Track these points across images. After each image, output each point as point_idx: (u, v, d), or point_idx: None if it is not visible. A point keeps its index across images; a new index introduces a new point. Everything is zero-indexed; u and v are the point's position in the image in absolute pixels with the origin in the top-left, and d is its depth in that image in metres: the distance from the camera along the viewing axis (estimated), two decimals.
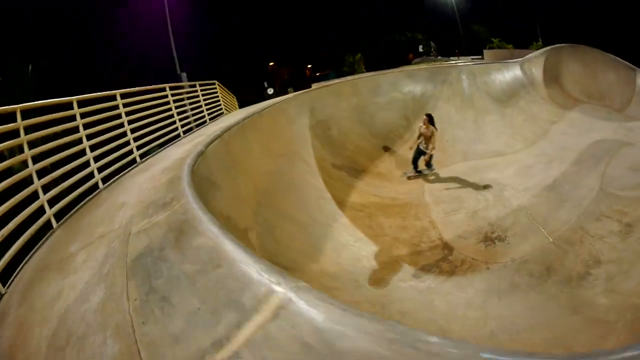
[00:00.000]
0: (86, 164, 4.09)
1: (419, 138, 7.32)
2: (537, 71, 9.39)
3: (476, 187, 6.86)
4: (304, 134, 6.30)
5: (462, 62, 12.66)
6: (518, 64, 9.56)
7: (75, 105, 4.16)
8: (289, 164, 5.02)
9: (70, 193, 3.43)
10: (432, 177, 7.34)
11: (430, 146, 7.18)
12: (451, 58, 24.03)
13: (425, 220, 6.11)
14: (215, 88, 9.47)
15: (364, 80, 9.09)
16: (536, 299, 3.85)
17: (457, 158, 8.17)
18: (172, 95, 6.75)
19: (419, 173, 7.48)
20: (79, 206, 3.56)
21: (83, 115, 4.25)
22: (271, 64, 31.05)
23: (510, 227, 5.58)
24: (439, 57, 25.48)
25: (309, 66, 33.43)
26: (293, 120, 6.29)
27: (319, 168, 6.05)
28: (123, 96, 5.19)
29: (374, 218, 5.95)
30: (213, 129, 5.32)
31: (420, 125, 7.34)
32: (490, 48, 23.09)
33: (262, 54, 31.88)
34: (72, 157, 3.91)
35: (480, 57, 17.75)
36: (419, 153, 7.37)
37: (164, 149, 5.77)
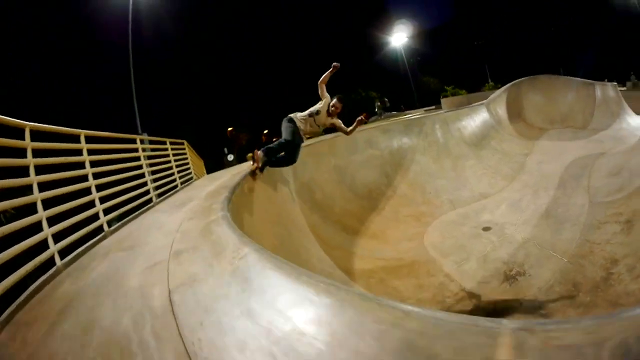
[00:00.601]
0: None
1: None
2: (502, 109, 10.64)
3: (476, 232, 7.14)
4: (293, 199, 6.44)
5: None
6: (484, 105, 10.85)
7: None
8: (289, 235, 5.05)
9: None
10: (429, 234, 7.48)
11: None
12: (393, 112, 25.52)
13: (439, 275, 6.11)
14: (185, 148, 9.01)
15: (341, 138, 9.42)
16: (576, 312, 3.86)
17: (445, 208, 8.53)
18: (143, 150, 6.01)
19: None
20: None
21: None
22: (230, 129, 31.77)
23: (525, 260, 5.77)
24: (388, 113, 27.12)
25: (266, 132, 33.45)
26: (282, 184, 6.35)
27: (315, 236, 6.12)
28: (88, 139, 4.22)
29: (387, 283, 5.89)
30: (198, 195, 5.00)
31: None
32: (444, 96, 24.40)
33: (222, 118, 32.94)
34: None
35: (433, 107, 19.48)
36: None
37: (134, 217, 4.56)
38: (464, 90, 27.16)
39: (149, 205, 5.25)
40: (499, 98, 11.22)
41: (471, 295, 5.35)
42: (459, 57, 45.03)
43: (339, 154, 8.75)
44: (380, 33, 37.04)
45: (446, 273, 6.04)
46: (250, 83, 37.96)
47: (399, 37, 32.03)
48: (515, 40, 42.10)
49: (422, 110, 19.91)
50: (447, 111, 11.03)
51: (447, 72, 39.64)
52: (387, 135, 9.89)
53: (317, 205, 7.06)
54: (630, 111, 12.00)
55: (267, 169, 5.62)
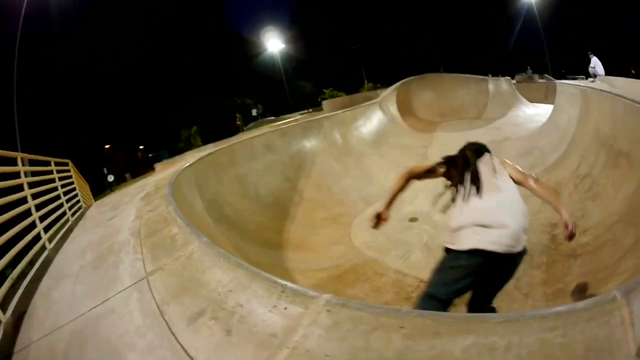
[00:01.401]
0: None
1: None
2: (393, 107, 11.63)
3: (404, 224, 7.24)
4: (206, 221, 5.23)
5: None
6: (377, 104, 11.54)
7: None
8: None
9: None
10: (356, 234, 7.28)
11: None
12: (271, 117, 26.02)
13: (390, 273, 5.85)
14: (70, 170, 7.71)
15: (239, 145, 8.60)
16: (539, 272, 4.14)
17: (360, 206, 8.57)
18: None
19: None
20: None
21: None
22: (107, 146, 29.94)
23: None
24: (267, 117, 27.57)
25: (141, 147, 32.92)
26: (190, 204, 5.17)
27: (244, 259, 4.96)
28: None
29: (342, 293, 5.23)
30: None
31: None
32: (322, 99, 25.00)
33: (97, 135, 30.34)
34: None
35: (307, 111, 20.20)
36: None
37: None
38: (342, 92, 28.70)
39: None
40: (389, 96, 12.38)
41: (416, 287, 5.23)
42: (336, 60, 48.82)
43: (239, 162, 8.26)
44: (257, 40, 38.16)
45: (395, 269, 5.84)
46: (121, 97, 35.55)
47: (275, 43, 32.81)
48: (390, 44, 49.10)
49: (296, 114, 20.44)
50: (345, 111, 11.61)
51: (324, 76, 42.53)
52: (285, 139, 9.67)
53: (230, 223, 6.39)
54: (525, 100, 14.36)
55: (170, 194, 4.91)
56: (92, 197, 8.76)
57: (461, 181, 2.70)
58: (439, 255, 5.76)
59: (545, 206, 5.95)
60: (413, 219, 7.39)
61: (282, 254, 6.50)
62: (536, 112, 12.61)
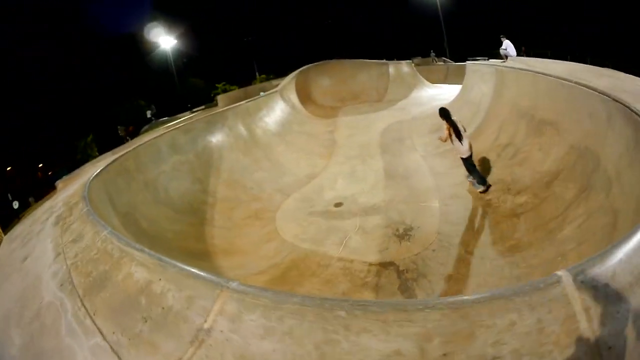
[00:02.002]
0: None
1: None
2: (293, 95, 11.41)
3: (330, 210, 7.07)
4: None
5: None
6: (277, 93, 11.06)
7: None
8: None
9: None
10: (284, 229, 6.76)
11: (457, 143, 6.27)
12: (165, 118, 24.98)
13: (334, 262, 5.60)
14: None
15: (144, 147, 7.63)
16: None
17: (278, 198, 8.14)
18: None
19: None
20: None
21: None
22: (9, 169, 28.88)
23: (402, 217, 6.18)
24: (160, 118, 26.15)
25: (40, 165, 31.84)
26: (108, 222, 4.12)
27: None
28: None
29: (298, 290, 4.73)
30: None
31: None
32: (216, 94, 24.97)
33: None
34: None
35: (203, 107, 19.16)
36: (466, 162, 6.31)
37: None
38: (235, 86, 28.05)
39: None
40: (289, 85, 12.10)
41: (384, 265, 5.11)
42: (226, 54, 47.69)
43: (146, 167, 7.42)
44: (148, 37, 35.61)
45: (339, 257, 5.57)
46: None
47: (167, 39, 30.13)
48: (282, 34, 49.71)
49: (188, 112, 18.83)
50: (248, 101, 10.87)
51: (216, 71, 41.50)
52: (190, 136, 8.72)
53: (151, 238, 5.71)
54: (426, 82, 15.56)
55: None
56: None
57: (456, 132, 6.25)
58: (377, 236, 5.80)
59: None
60: (338, 204, 7.25)
61: (212, 263, 5.78)
62: (439, 92, 14.11)
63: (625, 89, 4.26)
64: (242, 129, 9.67)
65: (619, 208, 3.46)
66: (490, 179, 6.16)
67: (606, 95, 4.08)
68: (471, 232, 5.34)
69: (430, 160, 7.93)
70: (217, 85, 32.26)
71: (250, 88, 16.10)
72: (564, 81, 5.09)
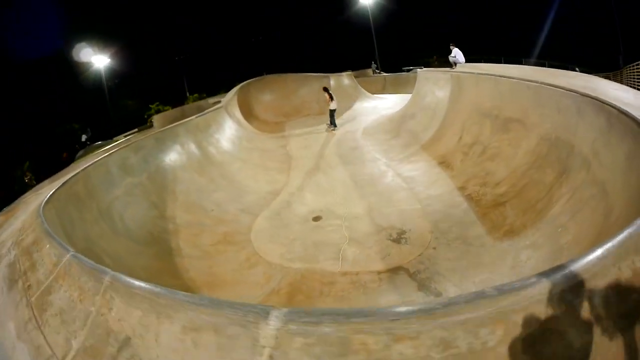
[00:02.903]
0: None
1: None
2: (237, 111, 10.99)
3: (311, 225, 6.85)
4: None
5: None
6: (224, 109, 10.40)
7: None
8: None
9: None
10: (265, 250, 6.31)
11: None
12: (99, 142, 23.95)
13: (338, 277, 5.53)
14: None
15: (94, 168, 6.56)
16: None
17: (245, 219, 7.70)
18: None
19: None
20: None
21: None
22: None
23: (392, 223, 6.37)
24: (95, 143, 24.98)
25: None
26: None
27: None
28: None
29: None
30: None
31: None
32: (149, 115, 24.93)
33: None
34: None
35: (136, 130, 17.37)
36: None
37: None
38: (168, 107, 27.79)
39: None
40: (232, 101, 11.69)
41: (393, 270, 5.10)
42: (157, 73, 46.33)
43: (98, 192, 6.45)
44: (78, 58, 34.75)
45: (342, 272, 5.46)
46: None
47: (101, 58, 28.92)
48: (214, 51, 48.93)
49: (122, 136, 16.98)
50: (197, 117, 10.27)
51: (147, 91, 40.21)
52: (140, 155, 7.82)
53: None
54: (367, 93, 16.49)
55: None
56: None
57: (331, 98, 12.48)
58: (372, 244, 5.75)
59: (444, 172, 7.00)
60: (317, 218, 7.09)
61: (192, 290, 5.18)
62: (381, 102, 15.01)
63: (586, 86, 4.95)
64: (194, 147, 9.07)
65: (603, 179, 4.07)
66: (463, 175, 6.67)
67: (574, 92, 4.68)
68: (463, 226, 5.67)
69: (395, 166, 8.37)
70: (150, 106, 31.30)
71: (187, 107, 15.14)
72: (529, 82, 5.75)
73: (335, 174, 8.81)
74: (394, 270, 5.11)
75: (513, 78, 6.34)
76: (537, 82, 5.67)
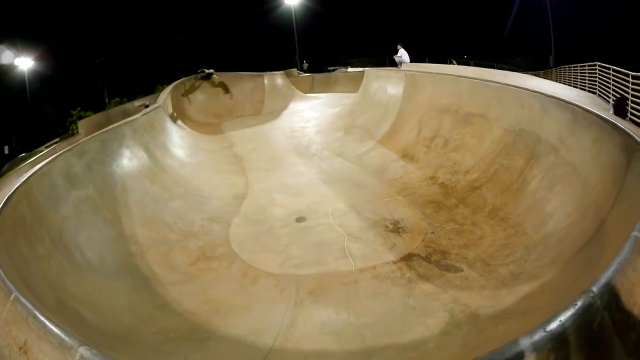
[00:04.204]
0: None
1: None
2: (172, 112, 9.67)
3: (297, 227, 6.61)
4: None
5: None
6: (161, 108, 9.12)
7: None
8: None
9: None
10: (259, 261, 5.88)
11: None
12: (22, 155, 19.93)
13: (357, 274, 5.39)
14: None
15: (36, 181, 5.32)
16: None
17: (217, 228, 6.92)
18: None
19: None
20: None
21: None
22: None
23: (382, 215, 6.50)
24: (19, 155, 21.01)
25: None
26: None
27: None
28: None
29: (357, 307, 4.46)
30: None
31: None
32: (71, 122, 24.57)
33: None
34: None
35: (57, 139, 14.76)
36: None
37: None
38: (90, 112, 26.61)
39: None
40: (167, 101, 10.42)
41: (407, 258, 5.36)
42: (76, 78, 41.67)
43: (44, 213, 5.12)
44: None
45: (358, 269, 5.41)
46: None
47: (25, 61, 27.42)
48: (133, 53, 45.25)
49: (43, 147, 15.02)
50: (140, 116, 8.64)
51: (68, 97, 37.01)
52: (85, 161, 6.40)
53: (122, 339, 3.90)
54: (300, 92, 16.37)
55: None
56: None
57: None
58: (373, 238, 6.02)
59: (407, 165, 7.58)
60: (300, 219, 6.87)
61: (228, 339, 4.20)
62: (317, 101, 15.18)
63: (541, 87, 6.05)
64: (141, 150, 7.79)
65: (573, 160, 5.02)
66: (430, 166, 7.37)
67: (537, 92, 5.68)
68: (448, 210, 6.27)
69: (358, 161, 8.61)
70: (72, 112, 29.46)
71: (111, 111, 12.87)
72: (488, 82, 6.67)
73: (299, 172, 8.69)
74: (408, 258, 5.33)
75: (470, 78, 7.33)
76: (496, 82, 6.72)
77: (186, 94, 12.91)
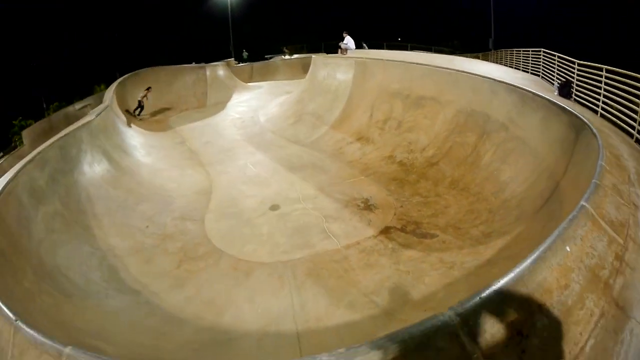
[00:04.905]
0: None
1: None
2: (118, 110, 8.83)
3: (272, 216, 6.77)
4: None
5: None
6: (110, 108, 8.36)
7: None
8: None
9: None
10: (250, 254, 5.92)
11: None
12: None
13: (344, 251, 5.76)
14: None
15: (3, 199, 4.94)
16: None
17: (191, 226, 6.74)
18: None
19: None
20: None
21: None
22: None
23: (350, 196, 6.95)
24: None
25: None
26: None
27: None
28: None
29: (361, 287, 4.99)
30: None
31: None
32: (14, 133, 23.98)
33: None
34: None
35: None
36: None
37: None
38: (31, 120, 24.63)
39: None
40: (113, 99, 9.22)
41: (385, 231, 5.89)
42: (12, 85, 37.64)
43: (19, 240, 4.72)
44: None
45: (344, 246, 5.77)
46: None
47: None
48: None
49: None
50: (92, 120, 7.63)
51: (5, 106, 32.85)
52: (47, 173, 5.87)
53: None
54: (242, 82, 16.38)
55: None
56: None
57: None
58: (349, 217, 6.57)
59: (363, 147, 8.13)
60: (275, 207, 7.05)
61: (249, 332, 4.24)
62: (261, 90, 15.20)
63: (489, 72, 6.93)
64: (100, 155, 7.26)
65: (522, 136, 5.90)
66: (385, 147, 7.93)
67: (487, 77, 6.54)
68: (412, 185, 6.94)
69: (313, 147, 8.98)
70: (13, 122, 28.00)
71: (53, 117, 10.98)
72: (439, 68, 7.37)
73: (259, 161, 8.73)
74: (386, 231, 5.84)
75: (420, 64, 8.02)
76: (448, 68, 7.48)
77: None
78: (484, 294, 1.83)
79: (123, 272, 5.41)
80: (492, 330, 1.74)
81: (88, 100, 9.53)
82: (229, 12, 25.52)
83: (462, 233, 5.30)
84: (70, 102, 14.23)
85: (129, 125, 9.55)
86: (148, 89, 11.97)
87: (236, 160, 8.98)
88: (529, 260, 1.96)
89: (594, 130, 3.90)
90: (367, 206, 6.57)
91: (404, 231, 5.84)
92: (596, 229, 2.28)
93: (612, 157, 3.38)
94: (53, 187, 5.84)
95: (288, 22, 45.63)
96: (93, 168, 6.87)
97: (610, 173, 3.06)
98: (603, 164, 3.06)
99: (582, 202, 2.43)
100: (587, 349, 1.78)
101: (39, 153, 5.70)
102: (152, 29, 46.21)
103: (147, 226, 6.57)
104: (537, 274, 1.95)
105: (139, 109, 11.77)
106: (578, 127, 4.45)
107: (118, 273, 5.34)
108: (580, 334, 1.82)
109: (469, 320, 1.74)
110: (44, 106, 31.12)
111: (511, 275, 1.90)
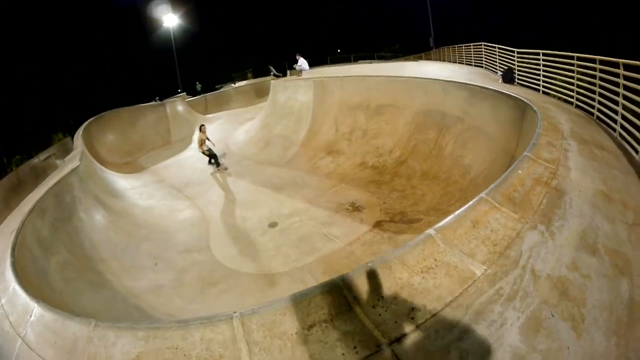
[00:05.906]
0: None
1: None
2: (90, 157, 8.70)
3: (274, 232, 7.24)
4: None
5: None
6: (86, 153, 8.22)
7: None
8: None
9: None
10: (266, 268, 6.37)
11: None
12: None
13: (350, 247, 6.37)
14: None
15: (19, 254, 4.98)
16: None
17: (198, 257, 7.01)
18: None
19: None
20: None
21: None
22: None
23: (338, 200, 7.65)
24: None
25: None
26: None
27: None
28: None
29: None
30: None
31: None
32: None
33: None
34: None
35: None
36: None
37: None
38: None
39: None
40: (81, 145, 8.70)
41: (378, 224, 6.66)
42: None
43: (46, 293, 4.54)
44: None
45: (348, 243, 6.41)
46: None
47: None
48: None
49: None
50: (74, 168, 7.40)
51: None
52: (47, 220, 5.90)
53: None
54: (201, 115, 16.67)
55: None
56: None
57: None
58: (343, 219, 7.62)
59: (340, 159, 9.02)
60: (273, 224, 7.45)
61: None
62: (220, 121, 15.54)
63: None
64: (94, 201, 7.29)
65: (477, 124, 7.02)
66: (356, 155, 8.87)
67: (437, 80, 7.77)
68: (387, 184, 7.83)
69: (289, 166, 9.61)
70: None
71: (20, 170, 9.87)
72: (393, 77, 8.50)
73: (242, 188, 9.14)
74: (378, 225, 6.59)
75: (375, 76, 9.06)
76: (400, 76, 8.63)
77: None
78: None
79: (149, 309, 5.51)
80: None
81: (51, 150, 9.12)
82: (173, 45, 25.23)
83: (443, 212, 6.28)
84: (29, 154, 13.30)
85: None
86: (201, 127, 10.44)
87: (219, 189, 9.31)
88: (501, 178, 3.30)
89: (534, 108, 5.05)
90: (355, 208, 7.38)
91: (393, 221, 6.74)
92: (535, 164, 3.43)
93: (549, 125, 4.58)
94: (57, 236, 5.88)
95: (234, 50, 45.58)
96: (89, 215, 6.89)
97: (546, 135, 4.19)
98: (540, 131, 4.18)
99: (525, 153, 3.58)
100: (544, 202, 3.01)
101: (36, 203, 5.70)
102: (99, 69, 43.94)
103: (156, 263, 6.75)
104: (507, 180, 3.23)
105: (213, 159, 10.32)
106: (522, 107, 5.59)
107: (146, 311, 5.46)
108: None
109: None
110: (4, 161, 27.71)
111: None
